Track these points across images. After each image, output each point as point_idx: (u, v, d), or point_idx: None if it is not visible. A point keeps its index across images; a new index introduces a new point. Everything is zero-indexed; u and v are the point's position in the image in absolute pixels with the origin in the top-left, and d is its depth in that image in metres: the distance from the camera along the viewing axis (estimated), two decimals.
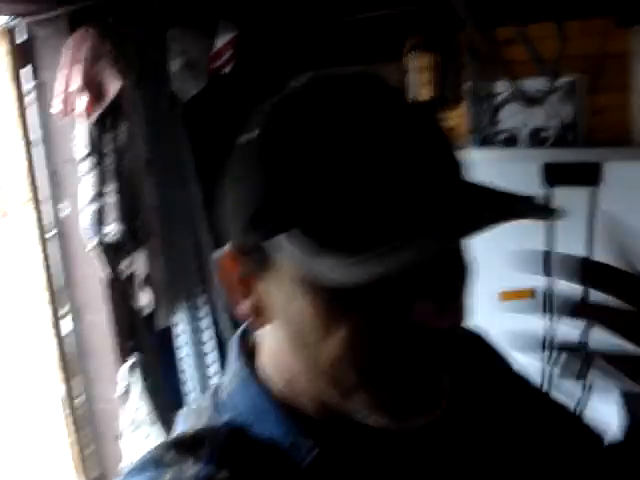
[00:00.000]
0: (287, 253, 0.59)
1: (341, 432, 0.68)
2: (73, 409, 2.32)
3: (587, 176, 2.27)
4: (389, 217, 0.56)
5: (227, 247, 0.67)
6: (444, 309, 0.60)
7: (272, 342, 0.69)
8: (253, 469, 0.65)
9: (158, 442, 0.70)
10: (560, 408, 0.90)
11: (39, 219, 2.20)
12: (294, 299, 0.61)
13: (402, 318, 0.59)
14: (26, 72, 2.17)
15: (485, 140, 2.51)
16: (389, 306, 0.60)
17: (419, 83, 2.51)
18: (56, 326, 2.25)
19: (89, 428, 2.40)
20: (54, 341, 2.24)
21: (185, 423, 0.72)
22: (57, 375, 2.26)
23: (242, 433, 0.68)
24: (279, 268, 0.62)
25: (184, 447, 0.66)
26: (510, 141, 2.49)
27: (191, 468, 0.63)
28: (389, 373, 0.61)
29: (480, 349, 0.88)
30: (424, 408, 0.63)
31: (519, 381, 0.89)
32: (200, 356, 2.60)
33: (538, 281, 2.35)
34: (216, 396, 0.73)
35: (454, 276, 0.63)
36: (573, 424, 0.89)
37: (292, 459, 0.66)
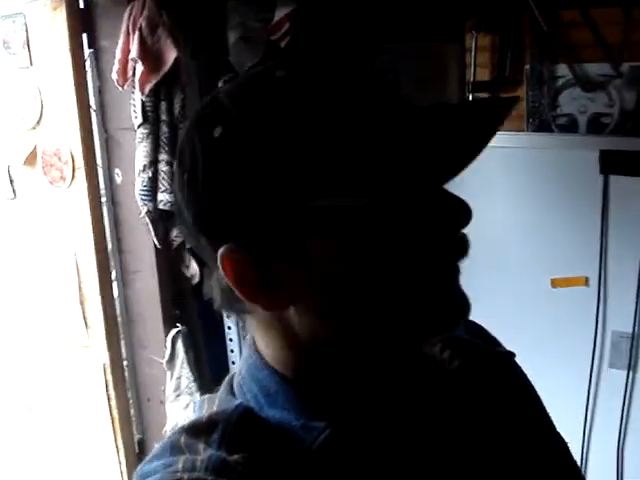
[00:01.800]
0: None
1: (352, 413, 0.68)
2: (117, 373, 2.36)
3: None
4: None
5: (226, 249, 0.65)
6: (456, 205, 0.63)
7: (285, 326, 0.68)
8: (264, 452, 0.65)
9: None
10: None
11: (93, 185, 2.23)
12: (334, 268, 0.64)
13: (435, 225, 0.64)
14: (84, 39, 2.19)
15: (543, 124, 2.46)
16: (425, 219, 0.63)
17: (478, 63, 2.47)
18: (104, 291, 2.29)
19: (132, 392, 2.45)
20: (102, 305, 2.28)
21: (201, 409, 0.73)
22: (103, 338, 2.30)
23: (254, 416, 0.68)
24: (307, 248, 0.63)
25: (198, 431, 0.66)
26: (568, 126, 2.43)
27: (203, 453, 0.63)
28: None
29: (508, 369, 0.85)
30: (458, 312, 0.67)
31: (537, 415, 0.86)
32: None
33: (591, 269, 2.32)
34: (230, 382, 0.75)
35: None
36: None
37: (303, 441, 0.66)
